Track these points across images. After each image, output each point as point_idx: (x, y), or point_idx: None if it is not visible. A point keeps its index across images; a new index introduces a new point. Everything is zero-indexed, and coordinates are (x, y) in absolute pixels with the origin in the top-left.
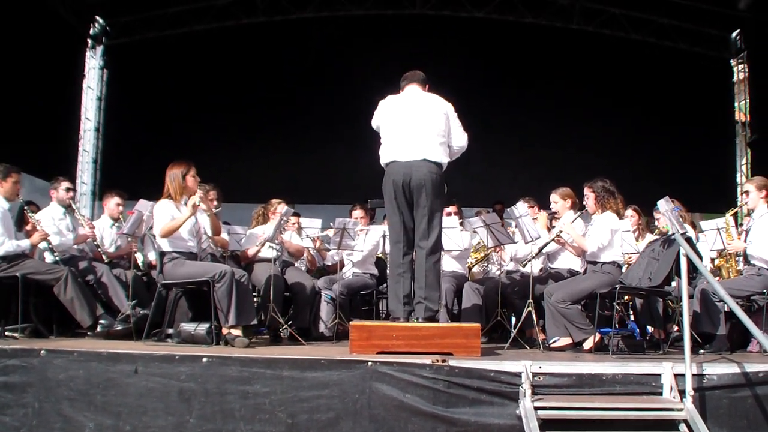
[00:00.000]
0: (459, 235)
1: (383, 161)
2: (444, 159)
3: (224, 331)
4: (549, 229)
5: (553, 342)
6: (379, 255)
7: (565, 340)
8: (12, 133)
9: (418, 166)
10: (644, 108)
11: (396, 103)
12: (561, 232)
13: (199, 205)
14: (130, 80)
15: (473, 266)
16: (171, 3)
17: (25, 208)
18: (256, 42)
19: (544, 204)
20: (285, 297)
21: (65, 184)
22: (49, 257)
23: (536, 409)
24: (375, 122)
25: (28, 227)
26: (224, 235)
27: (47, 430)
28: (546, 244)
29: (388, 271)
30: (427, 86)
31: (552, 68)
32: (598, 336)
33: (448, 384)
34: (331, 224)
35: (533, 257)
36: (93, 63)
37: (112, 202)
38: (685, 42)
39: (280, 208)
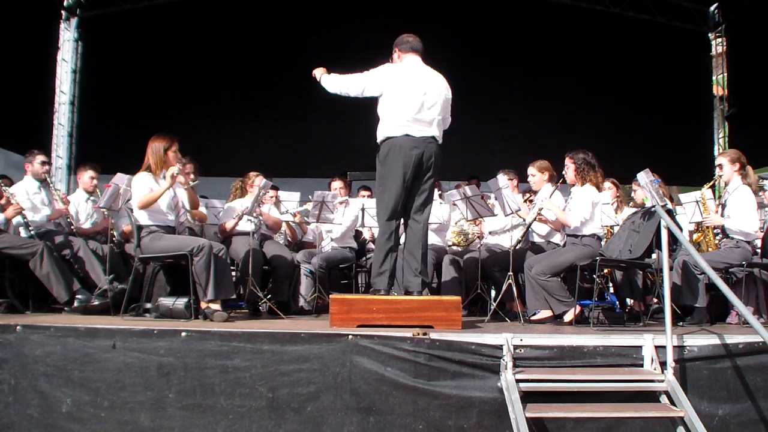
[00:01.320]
0: (438, 208)
1: (390, 133)
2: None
3: (203, 305)
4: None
5: (534, 315)
6: (358, 228)
7: (546, 313)
8: None
9: (429, 143)
10: (622, 81)
11: (405, 75)
12: (542, 209)
13: (177, 176)
14: (106, 53)
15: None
16: None
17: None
18: (233, 13)
19: (522, 177)
20: (264, 271)
21: (40, 158)
22: (24, 232)
23: (518, 381)
24: (376, 87)
25: (2, 201)
26: (202, 209)
27: (24, 407)
28: (530, 224)
29: (376, 243)
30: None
31: (529, 41)
32: (578, 308)
33: (429, 357)
34: (310, 197)
35: (509, 230)
36: (67, 35)
37: (87, 176)
38: (663, 15)
39: (257, 181)
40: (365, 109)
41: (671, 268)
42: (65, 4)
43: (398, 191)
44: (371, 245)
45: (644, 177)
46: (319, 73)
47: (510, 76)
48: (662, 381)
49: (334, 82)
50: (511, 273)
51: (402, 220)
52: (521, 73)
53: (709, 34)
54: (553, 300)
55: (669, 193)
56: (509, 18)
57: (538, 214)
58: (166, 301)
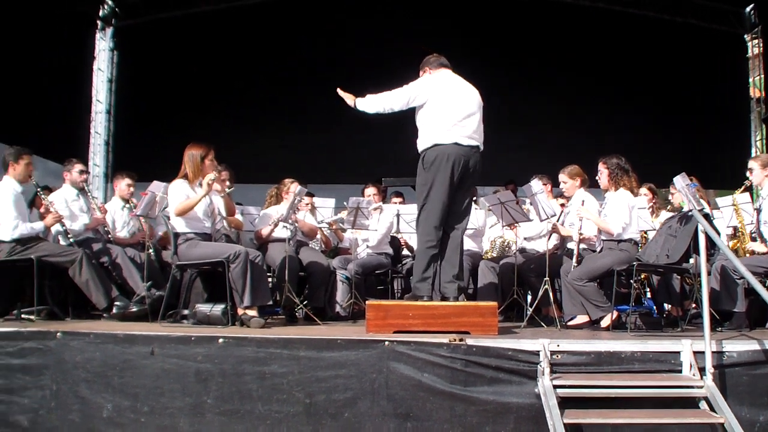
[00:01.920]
0: (474, 214)
1: (437, 140)
2: None
3: (240, 311)
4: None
5: (570, 320)
6: (393, 234)
7: (582, 318)
8: (24, 116)
9: (474, 152)
10: (657, 85)
11: (445, 85)
12: (581, 219)
13: (213, 183)
14: (140, 61)
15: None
16: None
17: (39, 190)
18: (267, 21)
19: (557, 181)
20: (300, 277)
21: (79, 167)
22: (63, 240)
23: (555, 387)
24: (420, 97)
25: (42, 210)
26: (238, 216)
27: (65, 412)
28: (579, 241)
29: (418, 249)
30: None
31: (563, 46)
32: (615, 314)
33: (466, 363)
34: (345, 203)
35: (545, 235)
36: (103, 45)
37: (123, 184)
38: (698, 17)
39: (293, 187)
40: (398, 115)
41: (709, 273)
42: (101, 14)
43: (445, 198)
44: (407, 251)
45: (680, 181)
46: (350, 99)
47: (544, 81)
48: (701, 387)
49: (374, 103)
50: (547, 278)
51: None
52: (555, 77)
53: (745, 36)
54: (589, 305)
55: (706, 197)
56: (544, 23)
57: (581, 234)
58: (204, 308)
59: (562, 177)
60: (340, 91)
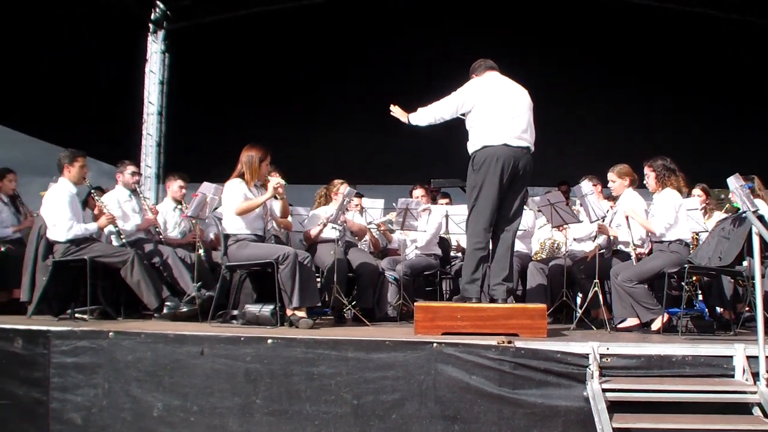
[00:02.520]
0: (524, 215)
1: (487, 141)
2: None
3: (288, 312)
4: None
5: (620, 322)
6: (442, 235)
7: (632, 321)
8: (79, 119)
9: (524, 153)
10: (711, 84)
11: (493, 87)
12: (628, 218)
13: (279, 188)
14: (191, 64)
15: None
16: None
17: (92, 191)
18: (317, 23)
19: (606, 181)
20: (349, 278)
21: (131, 168)
22: (115, 240)
23: (604, 391)
24: (468, 103)
25: (96, 211)
26: (288, 217)
27: (117, 411)
28: (636, 247)
29: (467, 251)
30: None
31: (613, 44)
32: (666, 316)
33: (514, 365)
34: (394, 204)
35: (595, 237)
36: (155, 48)
37: (175, 185)
38: (754, 14)
39: (342, 188)
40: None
41: (763, 276)
42: (152, 17)
43: (494, 199)
44: (457, 252)
45: (734, 182)
46: (402, 116)
47: (597, 80)
48: (755, 392)
49: (425, 116)
50: (597, 280)
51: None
52: (609, 76)
53: None
54: (639, 308)
55: (766, 198)
56: (592, 20)
57: (635, 246)
58: (253, 308)
59: (611, 176)
60: (393, 111)
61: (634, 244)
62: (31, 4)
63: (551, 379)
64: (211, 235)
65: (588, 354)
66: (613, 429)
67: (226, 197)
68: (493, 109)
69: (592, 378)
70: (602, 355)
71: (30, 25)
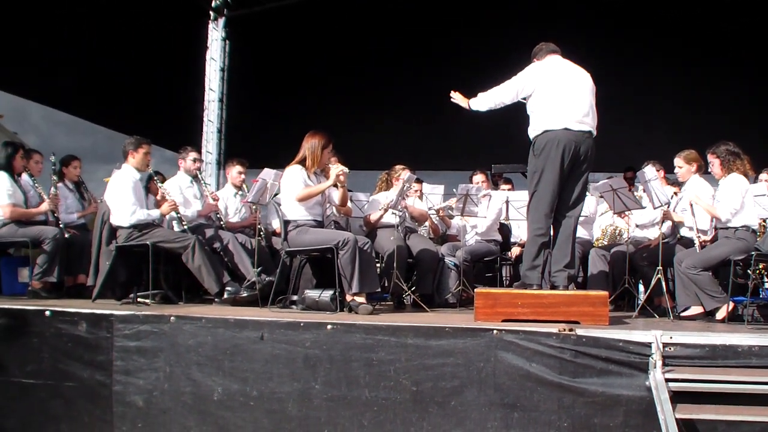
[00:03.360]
0: (585, 200)
1: (547, 126)
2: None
3: (348, 298)
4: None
5: (684, 311)
6: (502, 221)
7: (696, 309)
8: (141, 105)
9: (586, 138)
10: None
11: (553, 71)
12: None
13: (341, 175)
14: (251, 50)
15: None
16: None
17: (155, 178)
18: (376, 8)
19: (672, 168)
20: (408, 264)
21: (193, 155)
22: (177, 226)
23: (667, 380)
24: (528, 87)
25: (158, 197)
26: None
27: (178, 394)
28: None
29: (528, 236)
30: None
31: (679, 24)
32: (731, 305)
33: (575, 353)
34: (454, 190)
35: (658, 223)
36: (215, 35)
37: (235, 171)
38: None
39: (403, 174)
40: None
41: None
42: (213, 5)
43: (555, 185)
44: (516, 238)
45: None
46: (463, 101)
47: (658, 62)
48: None
49: (485, 101)
50: (660, 267)
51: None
52: (671, 58)
53: None
54: (704, 296)
55: None
56: (655, 2)
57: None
58: (312, 294)
59: (678, 161)
60: (453, 97)
61: (698, 231)
62: None
63: (613, 367)
64: (273, 225)
65: (651, 343)
66: (677, 420)
67: (286, 183)
68: (554, 93)
69: (655, 367)
70: (665, 344)
71: (92, 14)
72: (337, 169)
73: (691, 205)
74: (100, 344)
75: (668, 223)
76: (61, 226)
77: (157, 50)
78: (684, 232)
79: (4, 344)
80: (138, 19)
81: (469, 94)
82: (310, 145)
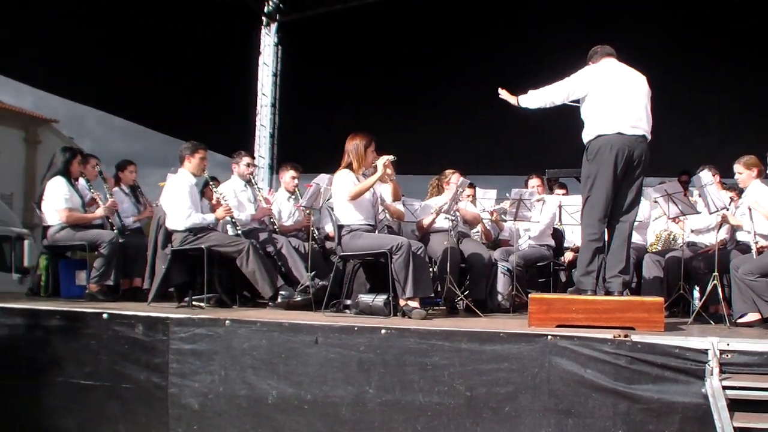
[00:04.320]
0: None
1: (601, 130)
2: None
3: (401, 302)
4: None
5: (740, 317)
6: (556, 226)
7: (754, 316)
8: (194, 110)
9: (639, 142)
10: None
11: (608, 74)
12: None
13: (387, 165)
14: (303, 55)
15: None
16: None
17: (210, 183)
18: (427, 13)
19: (727, 173)
20: (461, 268)
21: (246, 159)
22: (231, 230)
23: (724, 388)
24: (581, 89)
25: (213, 201)
26: (399, 206)
27: (233, 397)
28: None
29: (582, 242)
30: None
31: (738, 28)
32: None
33: (631, 360)
34: (507, 195)
35: (714, 228)
36: (268, 40)
37: (288, 175)
38: None
39: (454, 178)
40: (561, 105)
41: None
42: (266, 10)
43: (608, 190)
44: (569, 243)
45: None
46: (511, 99)
47: (712, 66)
48: None
49: (535, 99)
50: (716, 273)
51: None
52: (727, 61)
53: None
54: (761, 302)
55: None
56: (707, 7)
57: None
58: (366, 298)
59: (737, 167)
60: (501, 93)
61: (756, 236)
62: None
63: (668, 374)
64: (327, 230)
65: (707, 350)
66: (734, 428)
67: (336, 188)
68: (607, 98)
69: (712, 374)
70: (722, 351)
71: (147, 20)
72: (382, 159)
73: (750, 210)
74: (157, 347)
75: (725, 229)
76: (115, 230)
77: (210, 56)
78: (741, 236)
79: (62, 346)
80: (192, 25)
81: (517, 94)
82: (352, 147)
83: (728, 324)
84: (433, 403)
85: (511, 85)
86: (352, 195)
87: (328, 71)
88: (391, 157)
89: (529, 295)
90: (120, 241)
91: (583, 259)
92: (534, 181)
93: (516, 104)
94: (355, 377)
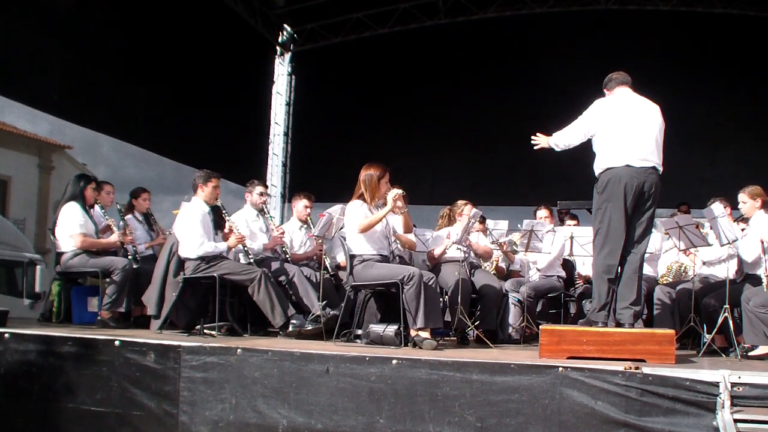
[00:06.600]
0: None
1: (610, 163)
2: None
3: (412, 333)
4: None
5: (751, 350)
6: (566, 257)
7: (765, 349)
8: (207, 138)
9: (649, 174)
10: None
11: (618, 107)
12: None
13: (398, 198)
14: (316, 85)
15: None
16: (354, 8)
17: (224, 212)
18: (438, 43)
19: (734, 203)
20: (472, 299)
21: (259, 188)
22: (243, 259)
23: (736, 421)
24: (594, 126)
25: (226, 230)
26: (410, 236)
27: (243, 425)
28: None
29: (594, 274)
30: None
31: (740, 60)
32: None
33: (641, 392)
34: (519, 225)
35: (725, 260)
36: (281, 69)
37: (301, 204)
38: None
39: (466, 209)
40: None
41: None
42: (280, 40)
43: (619, 222)
44: (580, 273)
45: None
46: (544, 141)
47: (721, 97)
48: None
49: (560, 141)
50: (727, 306)
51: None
52: (733, 94)
53: None
54: None
55: None
56: (719, 37)
57: None
58: (377, 328)
59: (742, 197)
60: (536, 140)
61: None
62: (165, 28)
63: (679, 407)
64: (338, 258)
65: (719, 382)
66: None
67: (348, 218)
68: (618, 130)
69: (723, 407)
70: (733, 384)
71: (163, 49)
72: (392, 193)
73: (762, 243)
74: (168, 374)
75: (735, 261)
76: (129, 257)
77: (224, 85)
78: (748, 268)
79: (74, 372)
80: (207, 54)
81: (534, 129)
82: (366, 177)
83: (739, 357)
84: None
85: (523, 116)
86: (362, 228)
87: (341, 101)
88: (400, 191)
89: (540, 327)
90: (134, 267)
91: (595, 291)
92: (542, 212)
93: (549, 147)
94: (365, 407)
